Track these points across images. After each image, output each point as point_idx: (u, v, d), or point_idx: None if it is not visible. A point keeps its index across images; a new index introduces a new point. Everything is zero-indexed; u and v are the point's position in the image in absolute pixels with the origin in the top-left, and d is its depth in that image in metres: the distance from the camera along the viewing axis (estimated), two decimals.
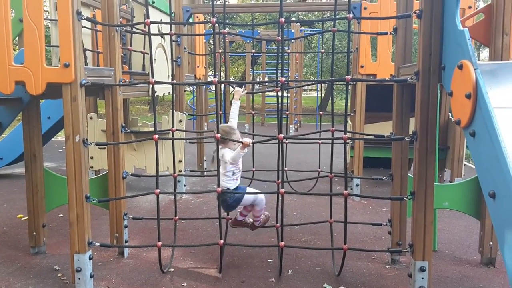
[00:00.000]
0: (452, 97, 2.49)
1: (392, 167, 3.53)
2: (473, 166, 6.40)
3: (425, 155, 2.88)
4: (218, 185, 3.26)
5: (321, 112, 5.98)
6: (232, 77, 24.83)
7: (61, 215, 5.03)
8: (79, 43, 3.06)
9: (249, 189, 3.70)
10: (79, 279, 3.15)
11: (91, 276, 3.20)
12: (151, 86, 3.43)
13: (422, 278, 2.93)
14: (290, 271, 3.56)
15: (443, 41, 2.75)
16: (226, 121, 5.52)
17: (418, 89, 2.85)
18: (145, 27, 4.61)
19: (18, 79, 3.04)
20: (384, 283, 3.36)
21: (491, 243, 3.60)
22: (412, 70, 2.99)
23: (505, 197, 1.92)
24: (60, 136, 10.01)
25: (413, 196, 2.96)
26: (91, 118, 5.99)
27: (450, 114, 5.84)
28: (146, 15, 3.34)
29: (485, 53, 22.04)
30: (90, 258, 3.19)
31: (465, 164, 5.93)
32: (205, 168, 7.07)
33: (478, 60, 2.69)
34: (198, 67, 6.75)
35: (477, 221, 3.67)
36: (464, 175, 5.59)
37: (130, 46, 4.87)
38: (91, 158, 5.96)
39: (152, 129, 5.54)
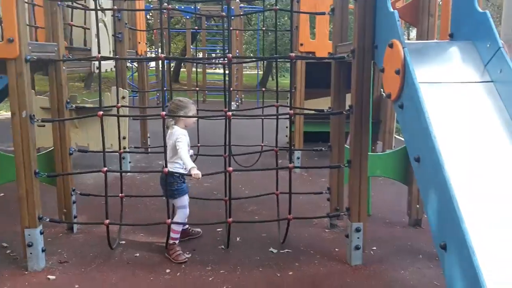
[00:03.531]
0: (383, 73, 2.76)
1: (330, 139, 3.80)
2: (402, 139, 6.90)
3: (360, 127, 3.15)
4: (165, 165, 3.29)
5: (263, 89, 6.16)
6: (171, 53, 24.41)
7: (2, 194, 4.93)
8: (23, 18, 3.02)
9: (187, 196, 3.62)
10: (30, 253, 3.18)
11: (42, 251, 3.24)
12: (95, 62, 3.45)
13: (358, 238, 3.25)
14: (238, 239, 3.77)
15: (376, 22, 3.00)
16: (168, 100, 5.56)
17: (354, 66, 3.11)
18: (85, 2, 4.58)
19: None
20: (324, 245, 3.67)
21: (417, 206, 4.00)
22: (349, 48, 3.23)
23: (428, 160, 2.20)
24: None
25: (349, 164, 3.24)
26: None
27: (382, 90, 6.23)
28: None
29: (414, 32, 23.17)
30: (41, 233, 3.23)
31: (395, 137, 6.38)
32: (149, 145, 7.09)
33: (408, 39, 2.96)
34: (139, 43, 6.70)
35: (406, 187, 4.05)
36: (394, 146, 6.03)
37: (71, 21, 4.78)
38: None
39: (93, 105, 5.53)
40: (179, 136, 3.38)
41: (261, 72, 20.54)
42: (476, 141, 2.35)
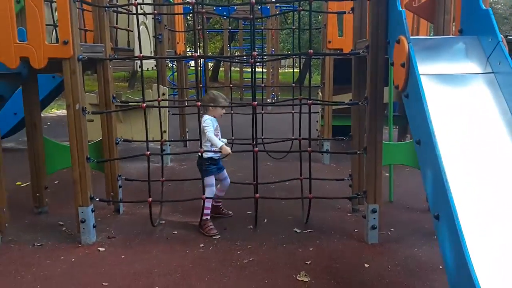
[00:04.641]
0: (394, 67, 3.03)
1: (351, 129, 4.09)
2: None
3: (375, 117, 3.44)
4: (201, 146, 3.78)
5: (293, 84, 6.49)
6: (210, 52, 25.06)
7: (57, 181, 5.47)
8: (76, 22, 3.48)
9: (225, 171, 4.13)
10: (83, 229, 3.65)
11: (93, 227, 3.71)
12: (137, 61, 3.85)
13: (374, 218, 3.53)
14: (265, 220, 4.14)
15: (388, 20, 3.27)
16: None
17: (368, 61, 3.39)
18: (129, 7, 5.04)
19: (22, 55, 3.44)
20: (345, 226, 3.98)
21: None
22: (365, 44, 3.51)
23: (426, 142, 2.48)
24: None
25: (365, 151, 3.53)
26: None
27: None
28: None
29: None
30: (92, 211, 3.69)
31: None
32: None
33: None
34: (178, 43, 7.15)
35: None
36: None
37: (116, 24, 5.27)
38: None
39: (135, 103, 6.05)
40: (205, 121, 3.86)
41: (297, 70, 20.79)
42: (473, 126, 2.61)
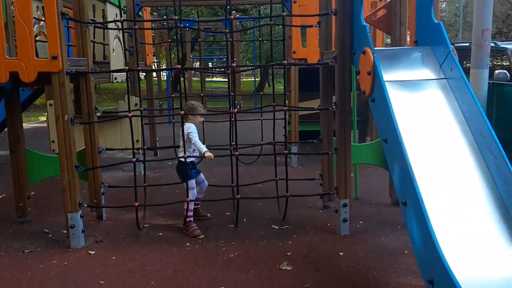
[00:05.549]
0: (359, 75, 3.41)
1: (321, 133, 4.45)
2: None
3: (343, 120, 3.81)
4: (185, 152, 4.01)
5: (261, 93, 6.84)
6: (173, 63, 25.21)
7: (33, 192, 5.53)
8: (63, 39, 3.67)
9: (202, 174, 4.40)
10: (73, 234, 3.82)
11: (82, 231, 3.88)
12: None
13: (345, 212, 3.90)
14: (245, 219, 4.43)
15: (353, 33, 3.66)
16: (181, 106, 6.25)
17: (337, 70, 3.77)
18: (106, 25, 5.25)
19: (12, 70, 3.60)
20: (318, 221, 4.32)
21: None
22: (333, 55, 3.89)
23: (392, 140, 2.85)
24: None
25: (336, 151, 3.89)
26: (50, 105, 6.44)
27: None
28: (119, 15, 3.98)
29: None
30: (81, 217, 3.86)
31: None
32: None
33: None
34: (148, 55, 7.37)
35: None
36: None
37: (94, 38, 5.44)
38: (53, 142, 6.44)
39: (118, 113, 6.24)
40: (190, 128, 4.10)
41: (258, 79, 21.28)
42: (430, 125, 3.01)
